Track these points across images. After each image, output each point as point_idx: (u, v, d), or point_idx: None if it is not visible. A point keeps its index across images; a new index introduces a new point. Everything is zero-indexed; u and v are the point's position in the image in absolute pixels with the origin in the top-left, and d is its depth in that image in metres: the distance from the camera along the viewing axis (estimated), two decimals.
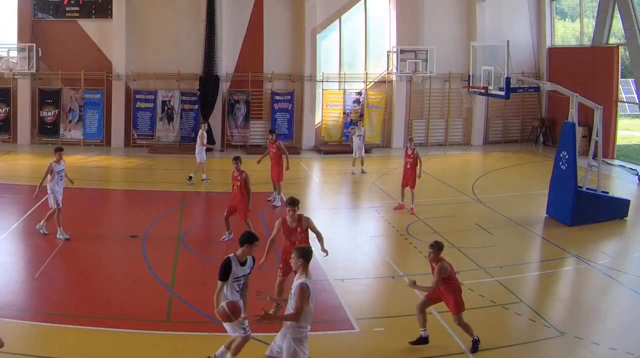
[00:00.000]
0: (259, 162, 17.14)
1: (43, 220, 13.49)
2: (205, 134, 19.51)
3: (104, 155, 23.28)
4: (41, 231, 13.43)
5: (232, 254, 7.83)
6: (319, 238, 9.73)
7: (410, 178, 16.06)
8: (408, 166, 16.15)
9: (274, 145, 16.74)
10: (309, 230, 9.80)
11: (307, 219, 9.87)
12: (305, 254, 7.15)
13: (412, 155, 16.09)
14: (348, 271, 12.33)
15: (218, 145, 24.87)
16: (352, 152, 21.18)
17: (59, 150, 13.80)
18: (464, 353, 8.75)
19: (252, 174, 19.87)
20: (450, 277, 8.84)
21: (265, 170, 20.36)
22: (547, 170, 17.43)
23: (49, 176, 13.33)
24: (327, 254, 9.69)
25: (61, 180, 13.56)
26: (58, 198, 13.33)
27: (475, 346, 8.82)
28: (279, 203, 16.51)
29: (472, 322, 9.80)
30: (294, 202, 9.75)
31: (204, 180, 19.05)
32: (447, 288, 8.83)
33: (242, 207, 13.17)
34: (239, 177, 13.26)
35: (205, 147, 19.22)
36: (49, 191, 13.40)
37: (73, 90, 24.68)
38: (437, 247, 8.87)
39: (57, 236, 13.21)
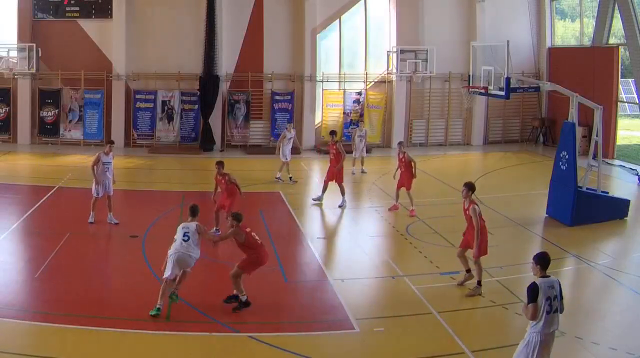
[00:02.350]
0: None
1: (92, 209, 14.40)
2: (286, 134, 19.66)
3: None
4: (91, 220, 14.35)
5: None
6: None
7: (404, 180, 16.02)
8: (402, 169, 16.12)
9: (335, 147, 16.85)
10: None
11: (472, 205, 10.97)
12: (541, 260, 7.47)
13: (403, 159, 16.03)
14: (348, 271, 12.34)
15: (218, 145, 24.89)
16: (352, 152, 21.17)
17: (110, 142, 15.09)
18: (464, 353, 8.75)
19: (261, 173, 20.03)
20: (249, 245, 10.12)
21: (265, 170, 20.41)
22: (547, 170, 17.42)
23: (95, 167, 14.22)
24: None
25: (107, 171, 14.35)
26: (99, 188, 14.24)
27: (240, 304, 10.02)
28: (345, 204, 16.60)
29: (472, 322, 9.83)
30: (467, 184, 11.21)
31: (278, 178, 19.47)
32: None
33: (227, 204, 13.53)
34: (223, 180, 13.78)
35: (288, 146, 19.49)
36: (93, 180, 14.33)
37: (73, 90, 24.67)
38: None
39: (108, 220, 14.42)
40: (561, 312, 7.42)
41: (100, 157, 14.26)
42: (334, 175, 16.69)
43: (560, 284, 7.46)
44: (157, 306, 9.71)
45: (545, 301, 7.23)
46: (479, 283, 10.86)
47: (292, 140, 19.74)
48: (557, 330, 7.42)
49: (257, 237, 10.34)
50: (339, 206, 16.61)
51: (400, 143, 17.02)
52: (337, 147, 16.85)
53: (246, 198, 17.33)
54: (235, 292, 10.11)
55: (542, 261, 7.47)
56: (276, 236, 14.09)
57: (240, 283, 10.03)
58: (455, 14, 26.51)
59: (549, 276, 7.43)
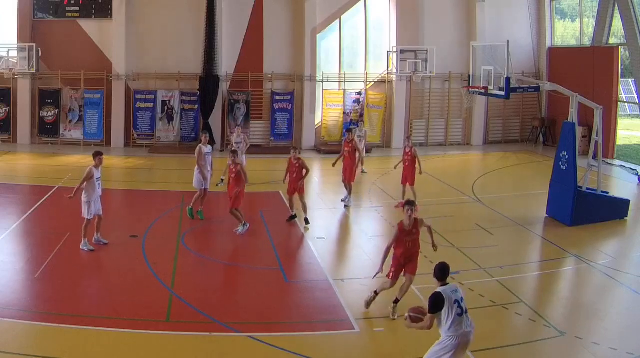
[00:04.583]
0: (334, 164, 17.26)
1: (83, 236, 12.63)
2: (232, 139, 19.31)
3: (104, 155, 23.15)
4: (86, 248, 12.55)
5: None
6: (430, 232, 10.29)
7: (409, 175, 16.25)
8: (407, 164, 16.34)
9: (350, 145, 16.81)
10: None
11: (422, 221, 10.04)
12: (439, 272, 7.53)
13: (409, 153, 16.28)
14: (348, 271, 12.34)
15: (218, 145, 24.88)
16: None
17: (99, 154, 12.83)
18: None
19: (261, 173, 19.98)
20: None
21: (265, 170, 20.40)
22: (547, 170, 17.43)
23: (85, 183, 12.38)
24: (436, 249, 10.32)
25: (99, 187, 12.64)
26: (93, 207, 12.52)
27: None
28: (352, 204, 16.66)
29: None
30: (411, 203, 10.08)
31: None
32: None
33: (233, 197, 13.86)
34: (234, 169, 13.91)
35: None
36: (84, 200, 12.48)
37: (73, 90, 24.69)
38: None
39: (82, 247, 12.60)
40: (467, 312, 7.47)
41: (92, 173, 12.44)
42: (350, 173, 16.76)
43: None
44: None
45: (453, 304, 7.26)
46: (376, 293, 10.17)
47: (239, 144, 18.36)
48: (473, 331, 7.39)
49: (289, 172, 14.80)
50: (342, 200, 16.69)
51: (408, 137, 17.28)
52: (353, 145, 16.87)
53: (246, 198, 17.40)
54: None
55: (440, 273, 7.51)
56: (276, 236, 14.10)
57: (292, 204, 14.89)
58: (455, 14, 26.52)
59: (448, 283, 7.47)
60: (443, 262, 7.70)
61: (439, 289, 7.38)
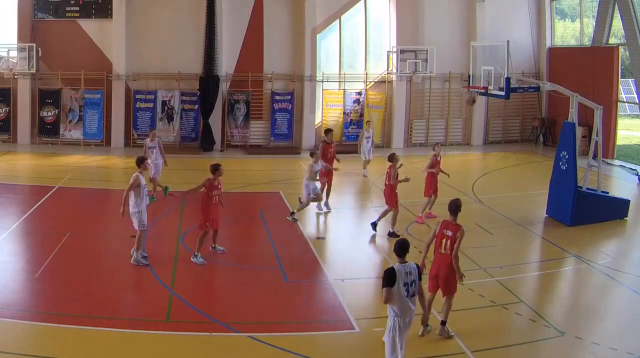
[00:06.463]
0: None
1: (135, 249, 11.83)
2: (146, 143, 16.87)
3: (104, 155, 23.28)
4: (141, 263, 11.75)
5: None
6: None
7: (436, 185, 15.41)
8: (439, 173, 15.46)
9: (333, 147, 16.65)
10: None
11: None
12: (397, 249, 7.74)
13: (440, 161, 15.52)
14: (348, 271, 12.33)
15: (218, 145, 24.90)
16: (355, 152, 21.03)
17: (144, 159, 12.14)
18: (464, 353, 8.75)
19: (261, 173, 19.99)
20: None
21: (266, 170, 20.41)
22: (547, 170, 17.43)
23: (131, 192, 11.53)
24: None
25: (146, 195, 11.92)
26: (144, 218, 11.74)
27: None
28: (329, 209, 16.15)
29: (472, 322, 9.82)
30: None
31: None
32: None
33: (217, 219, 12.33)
34: (219, 186, 12.18)
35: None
36: (133, 211, 11.66)
37: (73, 90, 24.66)
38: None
39: (134, 260, 11.81)
40: (416, 295, 7.66)
41: (140, 181, 11.62)
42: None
43: (418, 268, 7.71)
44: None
45: (402, 286, 7.49)
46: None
47: (153, 150, 16.61)
48: (414, 312, 7.65)
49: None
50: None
51: (438, 144, 16.34)
52: (335, 149, 16.61)
53: (246, 198, 17.44)
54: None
55: (398, 250, 7.72)
56: (276, 236, 14.10)
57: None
58: (455, 14, 26.51)
59: (407, 262, 7.67)
60: (404, 239, 7.94)
61: (395, 266, 7.60)
